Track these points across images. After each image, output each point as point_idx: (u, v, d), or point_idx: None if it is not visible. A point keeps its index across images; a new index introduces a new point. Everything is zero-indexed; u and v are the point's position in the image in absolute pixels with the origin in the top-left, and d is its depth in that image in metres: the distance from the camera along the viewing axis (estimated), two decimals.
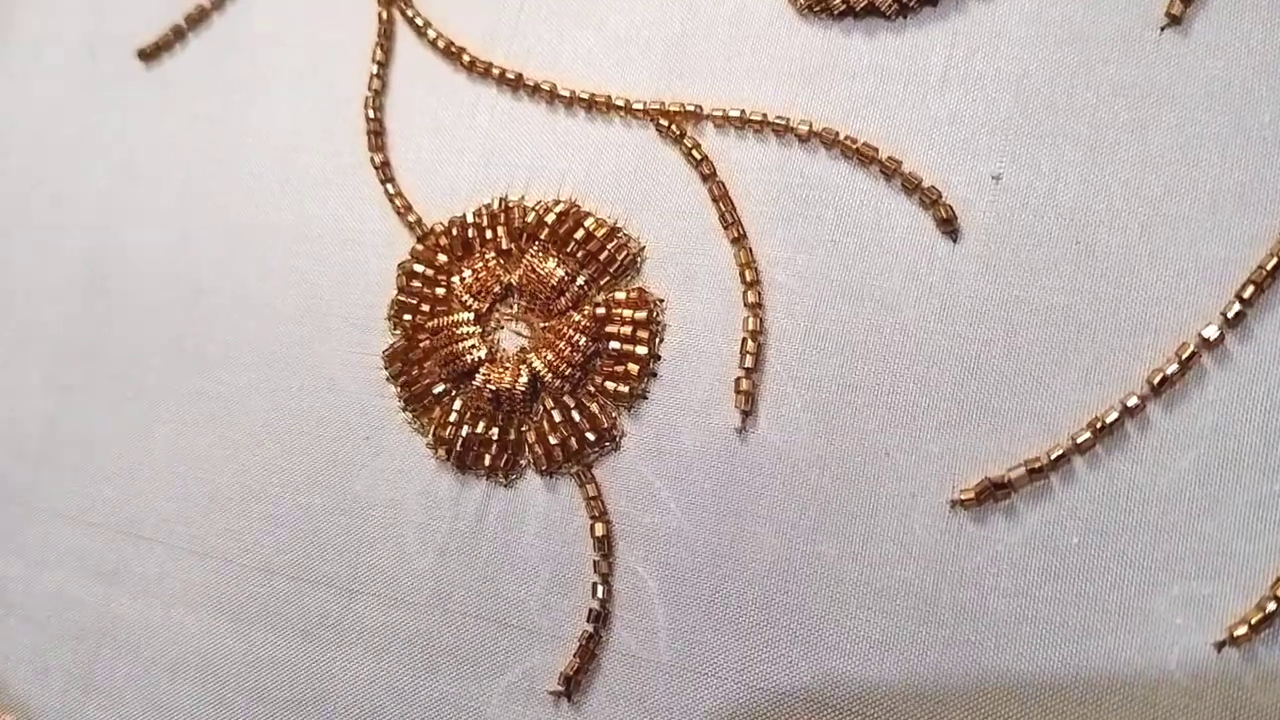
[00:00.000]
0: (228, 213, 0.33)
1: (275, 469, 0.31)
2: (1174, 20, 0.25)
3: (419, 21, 0.32)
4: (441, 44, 0.32)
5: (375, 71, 0.32)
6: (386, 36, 0.32)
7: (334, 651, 0.29)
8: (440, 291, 0.29)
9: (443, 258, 0.30)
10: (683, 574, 0.27)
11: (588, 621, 0.27)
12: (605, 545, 0.27)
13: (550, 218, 0.29)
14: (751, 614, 0.26)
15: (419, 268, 0.30)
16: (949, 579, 0.25)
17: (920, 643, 0.25)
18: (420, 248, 0.30)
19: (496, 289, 0.29)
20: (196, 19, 0.35)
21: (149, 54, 0.35)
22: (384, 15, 0.33)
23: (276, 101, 0.33)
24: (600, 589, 0.27)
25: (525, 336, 0.29)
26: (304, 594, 0.30)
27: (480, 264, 0.29)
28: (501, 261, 0.29)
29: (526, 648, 0.28)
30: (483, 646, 0.28)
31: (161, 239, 0.34)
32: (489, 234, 0.29)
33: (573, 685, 0.27)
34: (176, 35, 0.35)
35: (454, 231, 0.30)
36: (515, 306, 0.29)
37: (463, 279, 0.29)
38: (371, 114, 0.32)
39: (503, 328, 0.29)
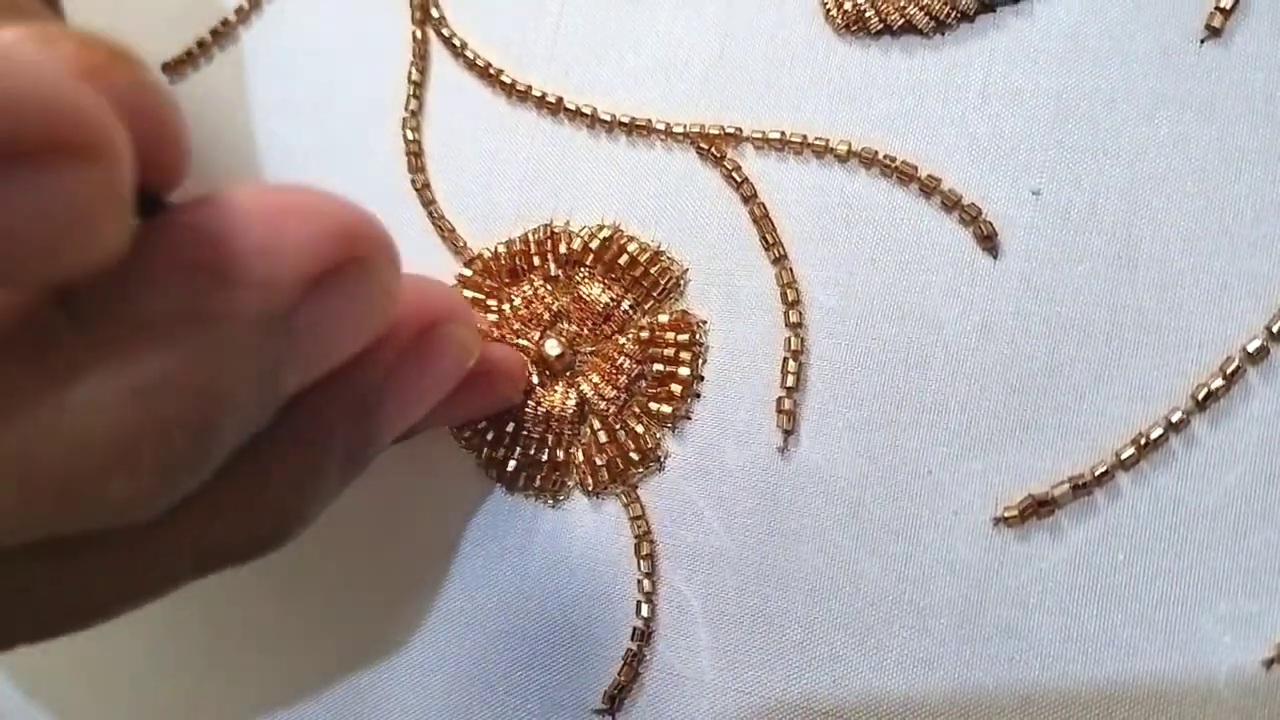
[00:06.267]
0: None
1: None
2: (1214, 33, 0.25)
3: (456, 41, 0.32)
4: (480, 64, 0.32)
5: (411, 92, 0.32)
6: (421, 56, 0.32)
7: (381, 673, 0.30)
8: (492, 318, 0.30)
9: (491, 284, 0.30)
10: (726, 592, 0.27)
11: (631, 640, 0.27)
12: (649, 564, 0.28)
13: (595, 243, 0.29)
14: (794, 632, 0.26)
15: (467, 294, 0.30)
16: (992, 597, 0.25)
17: (964, 661, 0.25)
18: (468, 273, 0.30)
19: (546, 316, 0.29)
20: (222, 34, 0.34)
21: (173, 67, 0.35)
22: (418, 35, 0.32)
23: (307, 120, 0.33)
24: (644, 607, 0.27)
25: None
26: (347, 615, 0.30)
27: (529, 290, 0.29)
28: (549, 288, 0.29)
29: (571, 665, 0.28)
30: (528, 664, 0.28)
31: None
32: (536, 260, 0.30)
33: (616, 704, 0.27)
34: (201, 49, 0.35)
35: (501, 257, 0.30)
36: (565, 333, 0.29)
37: (514, 306, 0.29)
38: (410, 135, 0.32)
39: None
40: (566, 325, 0.29)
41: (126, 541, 0.18)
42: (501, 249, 0.30)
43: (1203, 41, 0.26)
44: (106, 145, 0.14)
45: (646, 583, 0.27)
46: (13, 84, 0.13)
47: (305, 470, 0.20)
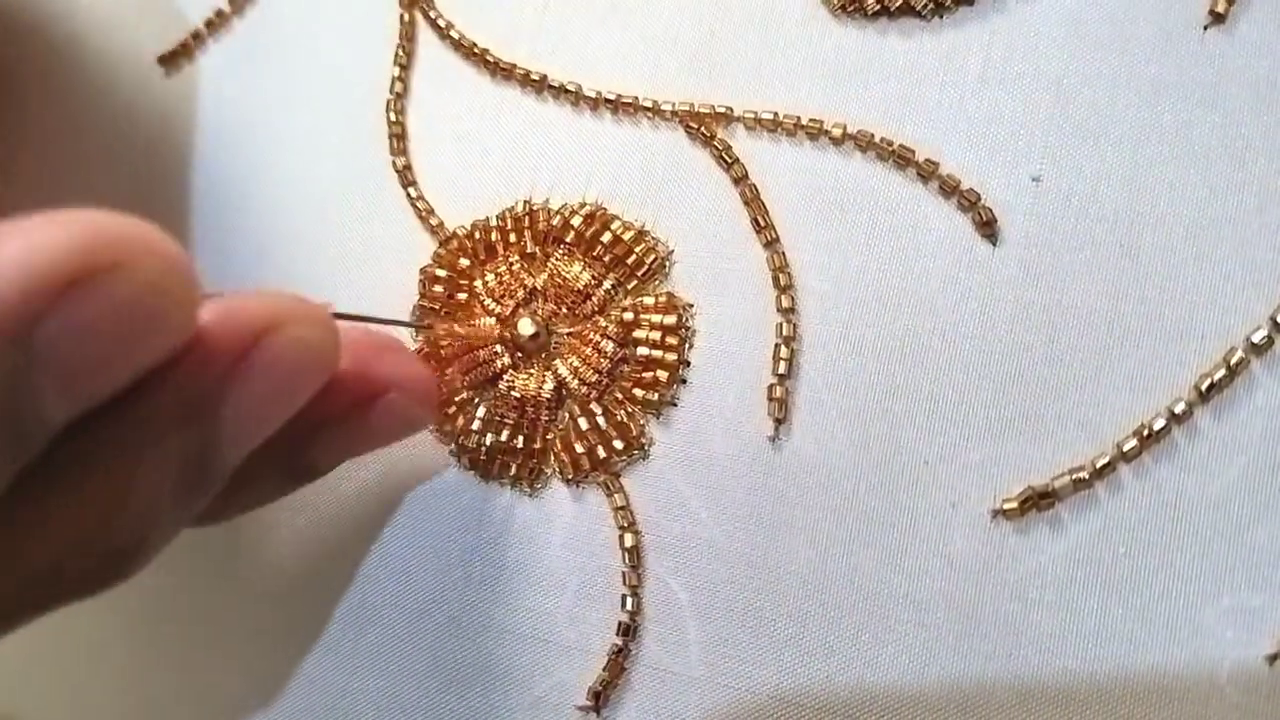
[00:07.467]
0: (249, 218, 0.33)
1: None
2: (1217, 19, 0.25)
3: (441, 23, 0.32)
4: (465, 44, 0.31)
5: (397, 74, 0.32)
6: (408, 39, 0.32)
7: (354, 674, 0.29)
8: (463, 297, 0.29)
9: (465, 262, 0.29)
10: (715, 586, 0.26)
11: (617, 635, 0.26)
12: (634, 556, 0.27)
13: (576, 221, 0.28)
14: (786, 626, 0.25)
15: (441, 272, 0.29)
16: (991, 591, 0.24)
17: (961, 656, 0.24)
18: (442, 252, 0.30)
19: (520, 293, 0.28)
20: (216, 24, 0.34)
21: (168, 59, 0.35)
22: (405, 17, 0.32)
23: (297, 106, 0.33)
24: (629, 601, 0.27)
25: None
26: (316, 615, 0.29)
27: (503, 267, 0.29)
28: (525, 265, 0.29)
29: (554, 661, 0.27)
30: (509, 661, 0.27)
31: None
32: (513, 237, 0.29)
33: (602, 700, 0.26)
34: (196, 40, 0.35)
35: (476, 235, 0.29)
36: (540, 312, 0.28)
37: (485, 283, 0.29)
38: (394, 117, 0.31)
39: None
40: (542, 304, 0.28)
41: None
42: (478, 226, 0.30)
43: (1206, 28, 0.25)
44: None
45: (632, 576, 0.27)
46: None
47: (132, 483, 0.19)
